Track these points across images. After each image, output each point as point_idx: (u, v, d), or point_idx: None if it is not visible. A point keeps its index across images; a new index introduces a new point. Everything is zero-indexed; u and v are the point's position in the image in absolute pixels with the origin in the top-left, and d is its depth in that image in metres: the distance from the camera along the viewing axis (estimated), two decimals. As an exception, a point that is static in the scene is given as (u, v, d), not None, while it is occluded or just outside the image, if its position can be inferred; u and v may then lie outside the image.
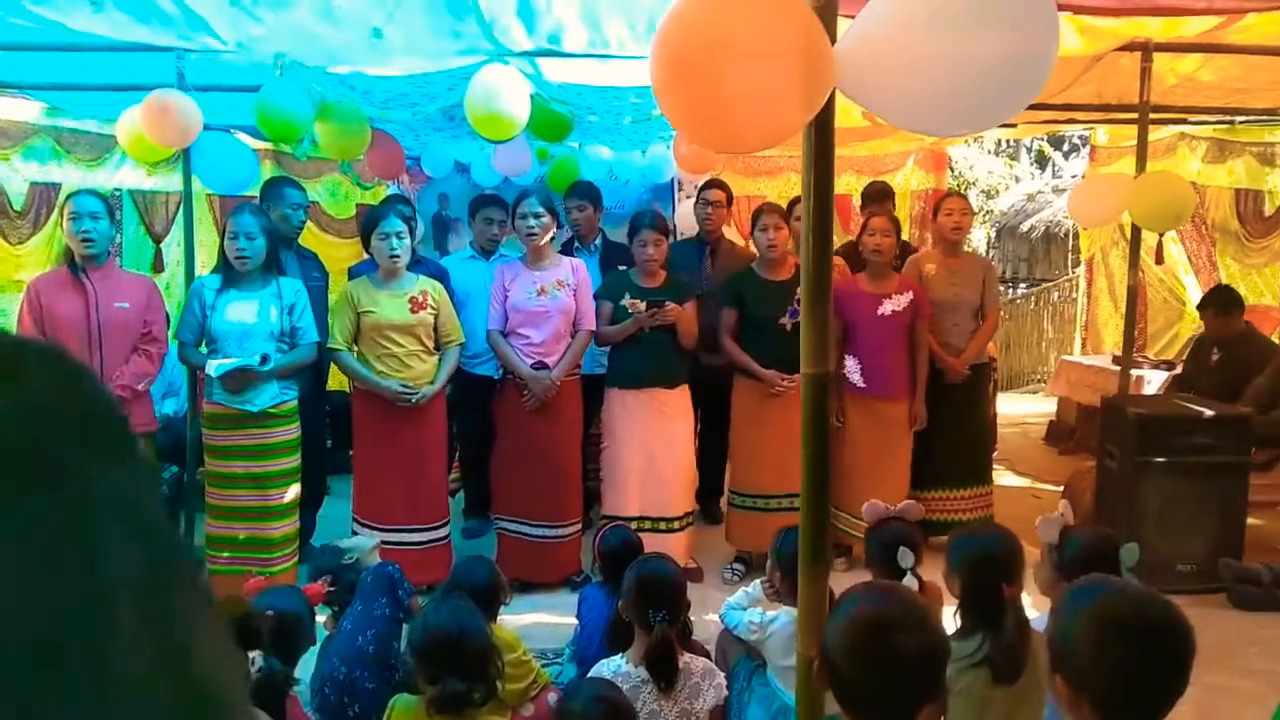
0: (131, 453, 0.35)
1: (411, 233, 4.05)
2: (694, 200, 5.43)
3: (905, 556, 2.52)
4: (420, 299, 4.03)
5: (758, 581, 2.90)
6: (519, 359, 4.18)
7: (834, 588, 1.82)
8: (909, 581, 2.46)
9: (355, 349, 4.07)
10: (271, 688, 2.33)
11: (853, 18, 1.44)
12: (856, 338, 4.47)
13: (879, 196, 5.47)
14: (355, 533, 4.09)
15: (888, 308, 4.41)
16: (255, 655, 2.32)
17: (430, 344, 4.09)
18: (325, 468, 5.09)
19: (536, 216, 4.14)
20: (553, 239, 4.32)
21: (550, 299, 4.18)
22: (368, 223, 4.06)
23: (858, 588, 1.59)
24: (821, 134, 1.48)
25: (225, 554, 3.86)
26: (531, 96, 4.05)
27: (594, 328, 4.28)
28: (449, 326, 4.13)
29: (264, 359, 3.75)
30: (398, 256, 3.96)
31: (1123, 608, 1.34)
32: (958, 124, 1.45)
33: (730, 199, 5.22)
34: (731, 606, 2.93)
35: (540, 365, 4.16)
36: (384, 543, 4.01)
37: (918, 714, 1.44)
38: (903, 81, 1.35)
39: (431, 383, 4.04)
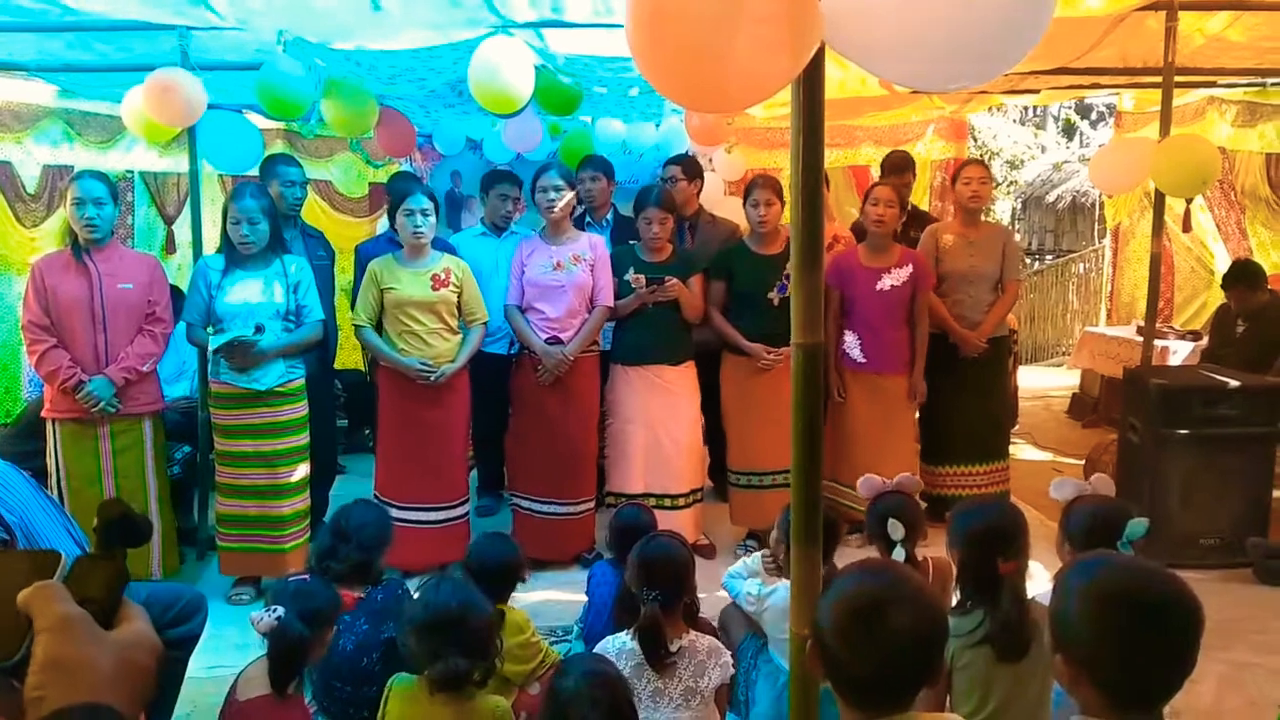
0: None
1: (437, 212, 4.02)
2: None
3: (895, 529, 2.47)
4: (443, 276, 4.00)
5: (759, 554, 2.87)
6: (533, 333, 4.14)
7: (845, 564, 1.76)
8: (898, 555, 2.42)
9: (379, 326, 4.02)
10: (286, 641, 2.31)
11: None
12: (855, 312, 4.37)
13: (898, 166, 5.30)
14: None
15: (886, 283, 4.31)
16: (277, 608, 2.31)
17: (453, 322, 4.06)
18: (337, 446, 5.10)
19: (557, 189, 4.10)
20: (572, 213, 4.27)
21: (565, 274, 4.13)
22: (395, 195, 4.03)
23: (852, 566, 1.53)
24: (810, 90, 1.41)
25: (236, 531, 3.87)
26: (538, 69, 3.98)
27: (611, 303, 4.20)
28: (473, 305, 4.09)
29: (259, 328, 3.74)
30: (422, 233, 3.92)
31: (1123, 583, 1.26)
32: (946, 78, 1.38)
33: (693, 174, 4.89)
34: (733, 575, 2.91)
35: (554, 340, 4.12)
36: (403, 521, 4.01)
37: (912, 697, 1.38)
38: (890, 34, 1.28)
39: (452, 361, 4.01)
